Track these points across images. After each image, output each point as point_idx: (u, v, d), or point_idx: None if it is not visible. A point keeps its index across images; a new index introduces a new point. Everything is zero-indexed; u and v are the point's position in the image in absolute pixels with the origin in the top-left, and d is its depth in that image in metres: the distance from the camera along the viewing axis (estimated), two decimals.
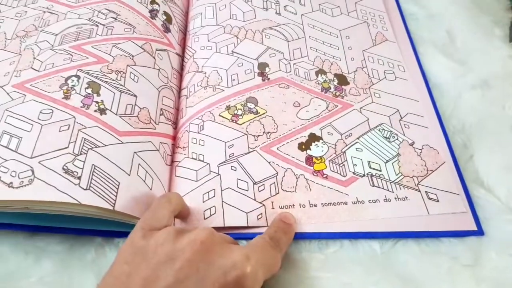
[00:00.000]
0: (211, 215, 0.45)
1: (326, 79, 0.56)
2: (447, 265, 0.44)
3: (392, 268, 0.44)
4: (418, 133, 0.52)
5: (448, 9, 0.69)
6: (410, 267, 0.44)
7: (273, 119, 0.52)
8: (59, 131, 0.44)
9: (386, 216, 0.45)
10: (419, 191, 0.47)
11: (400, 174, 0.48)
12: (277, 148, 0.50)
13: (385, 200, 0.46)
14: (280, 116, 0.52)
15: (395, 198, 0.46)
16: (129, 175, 0.44)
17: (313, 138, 0.51)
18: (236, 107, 0.52)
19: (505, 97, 0.58)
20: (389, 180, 0.48)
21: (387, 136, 0.51)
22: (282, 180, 0.47)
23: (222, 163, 0.48)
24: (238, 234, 0.44)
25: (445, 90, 0.59)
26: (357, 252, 0.45)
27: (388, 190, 0.47)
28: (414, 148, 0.50)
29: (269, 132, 0.51)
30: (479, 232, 0.46)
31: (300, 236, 0.45)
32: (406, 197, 0.47)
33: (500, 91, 0.58)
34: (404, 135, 0.52)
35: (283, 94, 0.54)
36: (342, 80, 0.56)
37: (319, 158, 0.49)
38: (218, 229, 0.43)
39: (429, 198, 0.47)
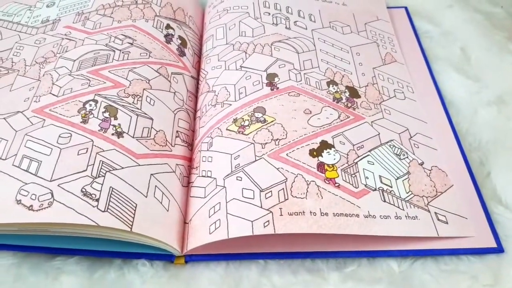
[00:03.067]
0: (216, 229, 0.44)
1: (338, 89, 0.57)
2: (467, 284, 0.44)
3: (410, 287, 0.43)
4: (427, 154, 0.52)
5: (462, 27, 0.70)
6: (429, 286, 0.44)
7: (282, 126, 0.52)
8: (78, 154, 0.45)
9: (397, 234, 0.45)
10: (429, 211, 0.47)
11: (410, 192, 0.48)
12: (287, 154, 0.49)
13: (396, 218, 0.46)
14: (290, 122, 0.52)
15: (406, 217, 0.46)
16: (146, 196, 0.44)
17: (325, 145, 0.51)
18: (243, 118, 0.53)
19: None
20: (400, 197, 0.48)
21: (398, 153, 0.51)
22: (292, 186, 0.47)
23: (228, 175, 0.48)
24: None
25: (461, 107, 0.60)
26: (375, 270, 0.45)
27: (399, 207, 0.47)
28: (423, 168, 0.51)
29: (277, 139, 0.51)
30: (499, 249, 0.46)
31: (318, 255, 0.45)
32: (416, 217, 0.47)
33: None
34: (413, 154, 0.52)
35: (293, 102, 0.54)
36: (353, 92, 0.57)
37: (331, 165, 0.49)
38: (224, 242, 0.44)
39: (439, 220, 0.47)
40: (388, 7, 0.72)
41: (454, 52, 0.67)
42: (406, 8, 0.73)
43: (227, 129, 0.52)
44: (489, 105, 0.59)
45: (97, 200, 0.42)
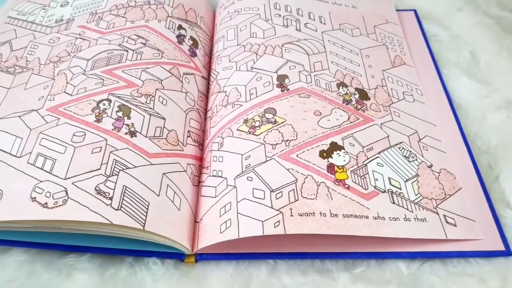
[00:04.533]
0: (226, 229, 0.45)
1: (348, 91, 0.57)
2: (475, 287, 0.44)
3: None
4: (436, 156, 0.53)
5: (471, 30, 0.70)
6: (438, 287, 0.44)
7: (292, 127, 0.52)
8: (92, 153, 0.45)
9: (406, 235, 0.45)
10: (438, 214, 0.48)
11: (419, 195, 0.49)
12: (297, 155, 0.50)
13: (405, 220, 0.46)
14: (300, 123, 0.53)
15: (415, 219, 0.47)
16: (158, 195, 0.45)
17: (335, 146, 0.51)
18: (253, 119, 0.53)
19: None
20: (409, 199, 0.48)
21: (407, 156, 0.52)
22: (302, 187, 0.47)
23: (239, 175, 0.48)
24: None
25: (470, 111, 0.60)
26: (384, 272, 0.45)
27: (408, 209, 0.47)
28: (432, 170, 0.51)
29: (288, 140, 0.51)
30: (507, 252, 0.47)
31: (328, 256, 0.46)
32: (425, 219, 0.47)
33: None
34: (422, 156, 0.52)
35: (303, 103, 0.55)
36: (363, 94, 0.57)
37: (341, 167, 0.50)
38: (234, 242, 0.44)
39: (447, 222, 0.47)
40: (397, 10, 0.73)
41: (463, 55, 0.67)
42: (415, 11, 0.74)
43: (238, 130, 0.52)
44: (498, 109, 0.60)
45: (111, 198, 0.42)
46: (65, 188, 0.42)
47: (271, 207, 0.45)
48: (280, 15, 0.65)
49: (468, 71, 0.65)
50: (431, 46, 0.68)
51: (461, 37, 0.70)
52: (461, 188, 0.50)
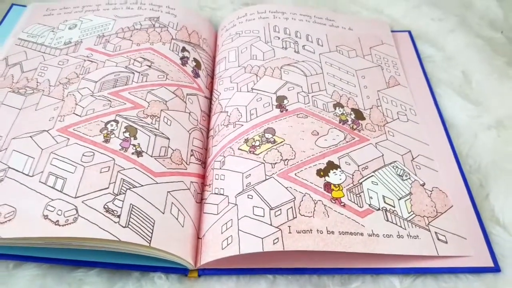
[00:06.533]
0: (228, 245, 0.47)
1: (344, 112, 0.60)
2: None
3: None
4: (429, 175, 0.55)
5: (464, 51, 0.73)
6: None
7: (291, 147, 0.54)
8: (100, 172, 0.48)
9: (399, 252, 0.48)
10: (429, 231, 0.50)
11: (412, 212, 0.51)
12: (295, 174, 0.52)
13: (398, 237, 0.49)
14: (298, 143, 0.55)
15: (408, 236, 0.49)
16: (163, 213, 0.47)
17: (332, 166, 0.54)
18: (254, 139, 0.56)
19: None
20: (402, 217, 0.50)
21: (400, 174, 0.54)
22: (300, 205, 0.49)
23: (240, 193, 0.51)
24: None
25: (462, 130, 0.63)
26: (378, 287, 0.48)
27: (401, 227, 0.50)
28: (425, 189, 0.53)
29: (286, 159, 0.53)
30: (496, 269, 0.49)
31: (324, 271, 0.48)
32: (418, 236, 0.49)
33: None
34: (415, 175, 0.55)
35: (301, 123, 0.57)
36: (358, 115, 0.60)
37: (337, 185, 0.52)
38: (235, 257, 0.46)
39: (439, 239, 0.49)
40: (392, 31, 0.75)
41: (456, 76, 0.70)
42: (409, 32, 0.76)
43: (239, 149, 0.55)
44: (489, 129, 0.62)
45: (119, 216, 0.45)
46: (76, 206, 0.45)
47: (270, 225, 0.48)
48: (279, 38, 0.68)
49: (460, 91, 0.67)
50: (425, 67, 0.70)
51: (454, 58, 0.72)
52: (452, 206, 0.53)
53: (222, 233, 0.48)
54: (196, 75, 0.63)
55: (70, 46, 0.63)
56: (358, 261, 0.48)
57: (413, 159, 0.56)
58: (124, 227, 0.44)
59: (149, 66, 0.60)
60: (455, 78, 0.70)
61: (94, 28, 0.65)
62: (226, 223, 0.49)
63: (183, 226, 0.48)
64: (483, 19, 0.80)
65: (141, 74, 0.58)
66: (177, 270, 0.47)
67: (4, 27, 0.68)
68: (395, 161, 0.55)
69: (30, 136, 0.51)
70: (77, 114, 0.54)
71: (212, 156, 0.56)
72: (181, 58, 0.63)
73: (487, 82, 0.68)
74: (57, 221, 0.44)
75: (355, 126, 0.58)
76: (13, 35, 0.66)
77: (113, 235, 0.43)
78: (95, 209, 0.45)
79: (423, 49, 0.74)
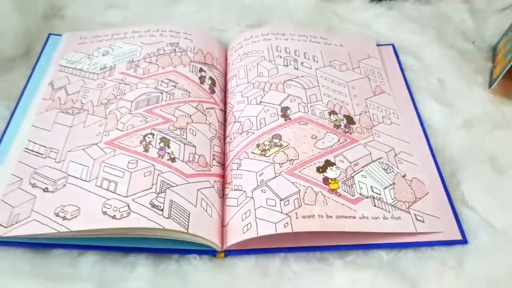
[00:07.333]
0: (248, 230, 0.55)
1: (337, 118, 0.69)
2: (438, 267, 0.56)
3: (395, 270, 0.56)
4: (409, 168, 0.64)
5: (439, 61, 0.82)
6: (410, 269, 0.56)
7: (294, 149, 0.63)
8: (144, 176, 0.58)
9: (385, 230, 0.57)
10: (409, 213, 0.59)
11: (395, 199, 0.60)
12: (299, 171, 0.61)
13: (384, 218, 0.58)
14: (301, 146, 0.63)
15: (391, 217, 0.58)
16: (195, 206, 0.57)
17: (328, 163, 0.62)
18: (264, 143, 0.64)
19: (484, 135, 0.70)
20: (387, 202, 0.60)
21: (385, 168, 0.63)
22: (304, 196, 0.58)
23: (255, 188, 0.59)
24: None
25: (437, 129, 0.72)
26: (369, 259, 0.57)
27: (386, 210, 0.59)
28: (405, 179, 0.63)
29: (292, 160, 0.62)
30: (464, 241, 0.58)
31: (326, 249, 0.58)
32: (400, 217, 0.58)
33: (480, 130, 0.71)
34: (398, 168, 0.64)
35: (302, 129, 0.66)
36: (350, 120, 0.69)
37: (333, 179, 0.61)
38: (254, 240, 0.55)
39: (417, 219, 0.59)
40: (378, 45, 0.84)
41: (432, 83, 0.78)
42: (393, 45, 0.85)
43: (252, 152, 0.64)
44: (460, 128, 0.71)
45: (162, 210, 0.55)
46: (127, 204, 0.55)
47: (281, 212, 0.57)
48: (281, 57, 0.77)
49: (436, 96, 0.76)
50: (406, 75, 0.79)
51: (431, 67, 0.80)
52: (428, 192, 0.62)
53: (242, 220, 0.57)
54: (212, 91, 0.73)
55: (105, 71, 0.72)
56: (352, 239, 0.57)
57: (396, 155, 0.66)
58: (167, 218, 0.54)
59: (174, 86, 0.70)
60: (432, 85, 0.78)
61: (124, 54, 0.75)
62: (245, 213, 0.57)
63: (211, 217, 0.58)
64: (457, 31, 0.88)
65: (168, 94, 0.69)
66: (208, 252, 0.56)
67: (46, 54, 0.78)
68: (380, 158, 0.64)
69: (83, 149, 0.61)
70: (119, 129, 0.63)
71: (230, 159, 0.65)
72: (200, 78, 0.73)
73: (458, 87, 0.76)
74: (114, 215, 0.54)
75: (347, 130, 0.67)
76: (55, 62, 0.75)
77: (159, 225, 0.53)
78: (143, 205, 0.55)
79: (405, 60, 0.82)
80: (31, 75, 0.74)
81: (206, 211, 0.58)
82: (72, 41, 0.80)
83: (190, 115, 0.67)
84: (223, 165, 0.66)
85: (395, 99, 0.75)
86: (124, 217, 0.54)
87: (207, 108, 0.69)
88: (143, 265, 0.56)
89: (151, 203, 0.56)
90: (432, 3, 0.95)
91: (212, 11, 0.90)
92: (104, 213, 0.55)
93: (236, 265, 0.57)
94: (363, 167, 0.63)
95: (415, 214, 0.60)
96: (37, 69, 0.75)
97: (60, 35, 0.82)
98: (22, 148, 0.63)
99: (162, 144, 0.62)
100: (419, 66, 0.82)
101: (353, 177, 0.62)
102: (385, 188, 0.62)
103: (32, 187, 0.58)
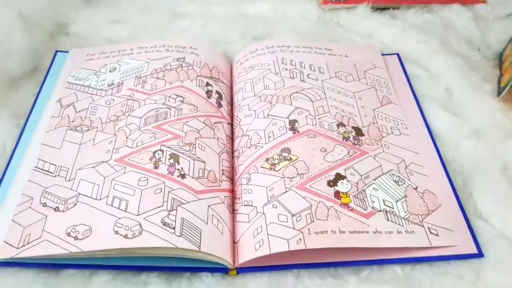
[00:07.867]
0: (260, 247, 0.55)
1: (346, 130, 0.69)
2: (455, 281, 0.56)
3: (411, 286, 0.55)
4: (420, 179, 0.64)
5: (445, 70, 0.81)
6: (426, 285, 0.56)
7: (304, 163, 0.63)
8: (155, 193, 0.58)
9: (399, 245, 0.56)
10: (423, 226, 0.58)
11: (408, 212, 0.60)
12: (310, 185, 0.60)
13: (398, 232, 0.57)
14: (310, 159, 0.63)
15: (405, 231, 0.57)
16: (206, 223, 0.57)
17: (339, 177, 0.62)
18: (273, 157, 0.64)
19: (494, 144, 0.70)
20: (400, 216, 0.59)
21: (396, 180, 0.63)
22: (316, 211, 0.58)
23: (265, 204, 0.59)
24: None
25: (447, 139, 0.72)
26: (384, 274, 0.57)
27: (399, 224, 0.58)
28: (417, 191, 0.63)
29: (302, 173, 0.61)
30: (479, 254, 0.57)
31: (340, 264, 0.57)
32: (413, 231, 0.58)
33: (491, 139, 0.70)
34: (409, 180, 0.63)
35: (311, 142, 0.65)
36: (358, 132, 0.69)
37: (345, 193, 0.60)
38: (266, 257, 0.55)
39: (431, 233, 0.58)
40: (383, 54, 0.84)
41: (440, 92, 0.78)
42: (398, 55, 0.85)
43: (261, 167, 0.64)
44: (469, 137, 0.70)
45: (174, 228, 0.55)
46: (139, 222, 0.55)
47: (293, 228, 0.56)
48: (287, 69, 0.78)
49: (444, 105, 0.76)
50: (413, 85, 0.79)
51: (437, 76, 0.81)
52: (441, 204, 0.61)
53: (254, 237, 0.56)
54: (219, 105, 0.73)
55: (113, 87, 0.73)
56: (366, 254, 0.56)
57: (406, 167, 0.65)
58: (179, 236, 0.54)
59: (182, 101, 0.70)
60: (439, 94, 0.78)
61: (131, 70, 0.75)
62: (257, 229, 0.57)
63: (222, 233, 0.58)
64: (461, 38, 0.88)
65: (176, 109, 0.69)
66: (220, 269, 0.56)
67: (53, 71, 0.78)
68: (391, 170, 0.64)
69: (93, 167, 0.62)
70: (129, 146, 0.63)
71: (239, 174, 0.65)
72: (206, 92, 0.73)
73: (466, 96, 0.76)
74: (126, 235, 0.54)
75: (356, 142, 0.67)
76: (62, 79, 0.75)
77: (172, 244, 0.53)
78: (155, 223, 0.55)
79: (411, 69, 0.82)
80: (39, 92, 0.75)
81: (218, 227, 0.58)
82: (79, 57, 0.81)
83: (199, 130, 0.67)
84: (232, 180, 0.66)
85: (402, 109, 0.75)
86: (136, 236, 0.54)
87: (215, 123, 0.69)
88: (155, 283, 0.56)
89: (163, 221, 0.56)
90: (434, 11, 0.95)
91: (216, 25, 0.91)
92: (116, 232, 0.55)
93: (248, 283, 0.56)
94: (374, 179, 0.63)
95: (428, 228, 0.59)
96: (45, 86, 0.76)
97: (66, 51, 0.83)
98: (32, 166, 0.63)
99: (172, 161, 0.62)
100: (425, 76, 0.82)
101: (364, 190, 0.62)
102: (397, 201, 0.61)
103: (43, 206, 0.58)
